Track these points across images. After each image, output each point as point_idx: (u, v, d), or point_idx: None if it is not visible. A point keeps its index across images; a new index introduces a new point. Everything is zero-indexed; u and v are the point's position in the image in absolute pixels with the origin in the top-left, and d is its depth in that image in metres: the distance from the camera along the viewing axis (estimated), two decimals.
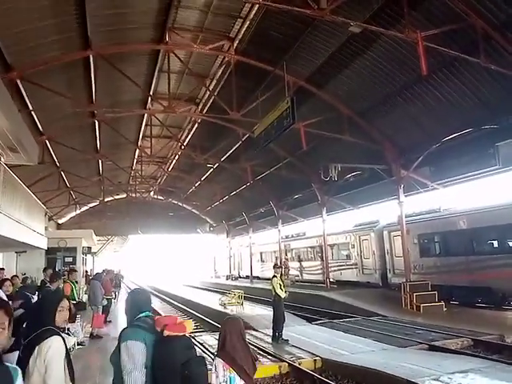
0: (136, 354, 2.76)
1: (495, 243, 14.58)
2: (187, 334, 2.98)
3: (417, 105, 13.95)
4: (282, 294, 10.22)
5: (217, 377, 3.25)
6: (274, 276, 10.48)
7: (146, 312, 3.06)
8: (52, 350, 2.65)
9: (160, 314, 10.33)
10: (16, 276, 10.37)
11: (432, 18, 10.33)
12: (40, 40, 11.35)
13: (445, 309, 14.06)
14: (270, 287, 10.53)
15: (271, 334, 10.37)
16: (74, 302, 9.39)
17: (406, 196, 16.28)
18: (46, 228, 20.16)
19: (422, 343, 9.46)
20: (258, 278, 32.23)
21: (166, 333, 2.84)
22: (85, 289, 17.12)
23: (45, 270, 10.70)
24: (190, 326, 3.05)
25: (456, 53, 10.17)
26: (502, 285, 13.52)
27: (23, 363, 2.56)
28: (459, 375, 6.42)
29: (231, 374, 3.26)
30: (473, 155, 13.49)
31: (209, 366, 3.05)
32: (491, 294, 14.00)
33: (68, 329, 7.43)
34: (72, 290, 9.63)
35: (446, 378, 6.31)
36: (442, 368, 6.82)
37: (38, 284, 9.83)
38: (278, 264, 13.53)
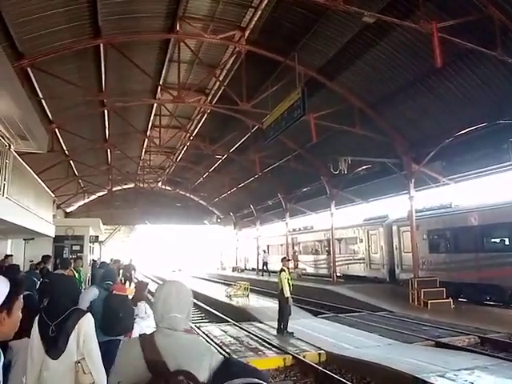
0: (90, 293, 5.05)
1: (506, 241, 14.36)
2: (128, 294, 5.34)
3: (429, 97, 13.70)
4: (287, 294, 9.99)
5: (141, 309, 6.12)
6: (282, 270, 10.28)
7: (109, 281, 5.27)
8: (90, 325, 3.09)
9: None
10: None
11: (448, 9, 10.09)
12: (51, 28, 11.30)
13: (453, 306, 13.94)
14: (277, 280, 10.39)
15: (276, 327, 10.36)
16: None
17: (416, 191, 16.08)
18: (53, 216, 20.25)
19: (428, 339, 9.38)
20: (264, 270, 32.21)
21: (113, 292, 4.98)
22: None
23: (46, 257, 10.70)
24: (129, 290, 5.68)
25: (472, 45, 9.92)
26: (511, 283, 13.34)
27: (58, 342, 2.95)
28: (465, 372, 6.34)
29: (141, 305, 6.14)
30: (486, 150, 13.25)
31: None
32: (500, 292, 13.82)
33: None
34: (74, 278, 9.60)
35: (452, 374, 6.23)
36: (448, 365, 6.74)
37: (37, 270, 9.75)
38: (287, 257, 13.36)
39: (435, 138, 14.11)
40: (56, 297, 3.25)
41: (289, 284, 10.11)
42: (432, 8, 10.11)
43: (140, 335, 1.87)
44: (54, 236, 17.19)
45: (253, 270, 34.61)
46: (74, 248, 20.02)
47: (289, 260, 11.04)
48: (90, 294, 5.05)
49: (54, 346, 2.93)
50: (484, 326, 10.39)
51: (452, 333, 9.98)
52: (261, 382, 1.54)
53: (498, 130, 12.46)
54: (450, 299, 14.11)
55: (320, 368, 7.42)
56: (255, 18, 12.87)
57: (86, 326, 3.05)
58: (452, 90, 12.84)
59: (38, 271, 9.52)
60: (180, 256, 54.09)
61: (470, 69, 11.92)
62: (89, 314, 3.19)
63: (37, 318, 3.10)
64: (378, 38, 12.40)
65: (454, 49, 10.83)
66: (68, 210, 31.48)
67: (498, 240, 14.75)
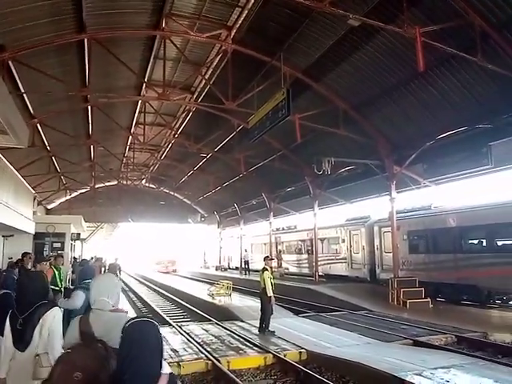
0: (80, 299, 4.99)
1: (483, 242, 14.72)
2: None
3: (412, 101, 13.94)
4: (270, 293, 10.00)
5: None
6: (265, 269, 10.24)
7: (88, 279, 5.02)
8: (56, 319, 3.17)
9: None
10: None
11: (431, 15, 10.30)
12: (34, 21, 11.07)
13: (431, 305, 14.21)
14: (260, 279, 10.37)
15: (258, 326, 10.40)
16: (57, 287, 9.27)
17: (397, 192, 16.33)
18: (34, 212, 19.97)
19: (406, 338, 9.54)
20: (245, 269, 32.23)
21: None
22: (72, 276, 16.96)
23: (25, 254, 10.51)
24: None
25: (453, 50, 10.16)
26: (487, 283, 13.68)
27: (24, 335, 3.04)
28: (442, 371, 6.48)
29: None
30: (466, 154, 13.52)
31: None
32: (477, 292, 14.17)
33: None
34: (54, 276, 9.42)
35: (429, 373, 6.36)
36: (426, 363, 6.88)
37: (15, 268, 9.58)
38: (270, 256, 13.34)
39: (417, 140, 14.36)
40: (24, 291, 3.32)
41: (271, 283, 10.15)
42: (416, 13, 10.31)
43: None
44: (34, 233, 16.92)
45: (236, 268, 34.65)
46: (55, 245, 19.77)
47: (272, 259, 11.03)
48: (80, 301, 4.98)
49: (21, 338, 3.03)
50: (461, 326, 10.62)
51: (430, 332, 10.18)
52: (148, 319, 1.89)
53: (478, 133, 12.77)
54: (429, 299, 14.38)
55: (300, 367, 7.47)
56: (242, 18, 12.88)
57: (51, 319, 3.12)
58: (434, 94, 13.09)
59: (16, 269, 9.33)
60: (164, 254, 53.61)
61: (451, 73, 12.17)
62: (55, 308, 3.25)
63: (10, 312, 3.21)
64: (362, 41, 12.56)
65: (437, 54, 11.07)
66: (49, 207, 30.95)
67: (475, 241, 15.12)
